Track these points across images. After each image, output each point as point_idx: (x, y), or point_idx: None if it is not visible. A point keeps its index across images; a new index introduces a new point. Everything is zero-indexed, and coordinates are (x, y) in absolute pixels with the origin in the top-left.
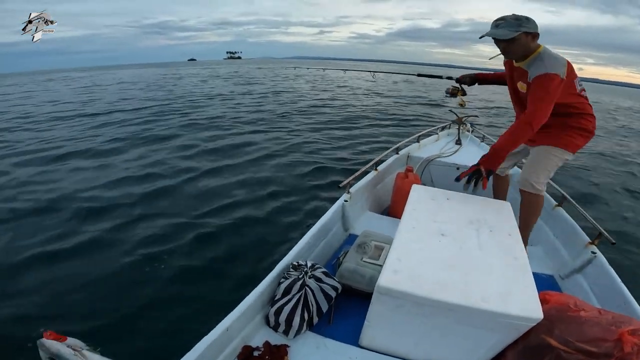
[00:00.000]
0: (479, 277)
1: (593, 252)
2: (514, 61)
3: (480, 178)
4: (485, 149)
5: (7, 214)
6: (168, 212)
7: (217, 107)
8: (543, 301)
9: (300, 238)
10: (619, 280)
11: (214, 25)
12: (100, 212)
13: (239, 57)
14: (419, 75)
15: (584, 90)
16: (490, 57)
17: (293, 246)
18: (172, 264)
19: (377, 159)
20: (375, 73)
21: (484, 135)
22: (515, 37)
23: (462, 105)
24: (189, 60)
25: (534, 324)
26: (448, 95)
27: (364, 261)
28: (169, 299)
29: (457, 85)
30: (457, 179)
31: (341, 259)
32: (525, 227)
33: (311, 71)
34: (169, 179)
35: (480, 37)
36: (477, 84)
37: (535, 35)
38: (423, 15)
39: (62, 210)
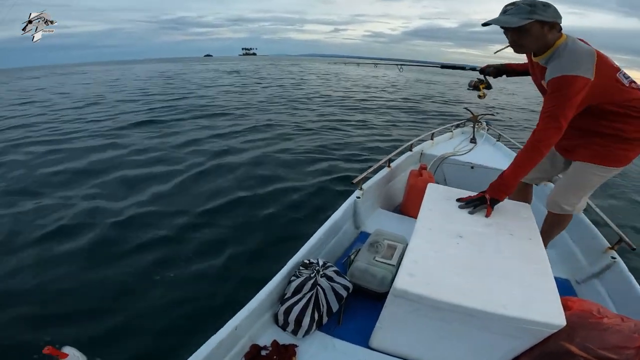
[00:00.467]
0: (498, 281)
1: (613, 258)
2: (532, 54)
3: (484, 206)
4: (500, 148)
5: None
6: (174, 208)
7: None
8: (565, 307)
9: (311, 235)
10: (638, 287)
11: (229, 22)
12: (103, 212)
13: (254, 54)
14: (442, 67)
15: (633, 82)
16: (495, 50)
17: (304, 244)
18: (179, 263)
19: (390, 155)
20: (402, 66)
21: (500, 135)
22: (526, 26)
23: (481, 97)
24: (205, 55)
25: (556, 331)
26: (470, 88)
27: (376, 260)
28: (177, 299)
29: (481, 77)
30: (459, 200)
31: (352, 257)
32: (546, 238)
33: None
34: (178, 172)
35: (484, 25)
36: (504, 75)
37: (553, 25)
38: (440, 15)
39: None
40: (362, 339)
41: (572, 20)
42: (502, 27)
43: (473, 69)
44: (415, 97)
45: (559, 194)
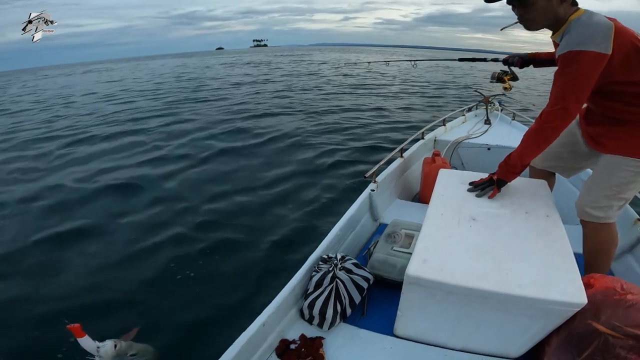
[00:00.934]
0: (514, 262)
1: None
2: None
3: (491, 187)
4: (516, 126)
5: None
6: (187, 205)
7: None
8: (587, 285)
9: (329, 231)
10: None
11: (240, 14)
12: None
13: (265, 45)
14: (460, 60)
15: None
16: (502, 27)
17: (322, 240)
18: (202, 263)
19: (402, 145)
20: (417, 62)
21: (514, 114)
22: None
23: (507, 90)
24: (217, 49)
25: (578, 309)
26: (494, 81)
27: (395, 250)
28: (203, 297)
29: (506, 68)
30: (470, 184)
31: (372, 249)
32: (592, 260)
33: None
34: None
35: (487, 1)
36: (531, 65)
37: None
38: (453, 0)
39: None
40: (387, 328)
41: (592, 5)
42: (508, 3)
43: (495, 60)
44: (432, 84)
45: (584, 195)
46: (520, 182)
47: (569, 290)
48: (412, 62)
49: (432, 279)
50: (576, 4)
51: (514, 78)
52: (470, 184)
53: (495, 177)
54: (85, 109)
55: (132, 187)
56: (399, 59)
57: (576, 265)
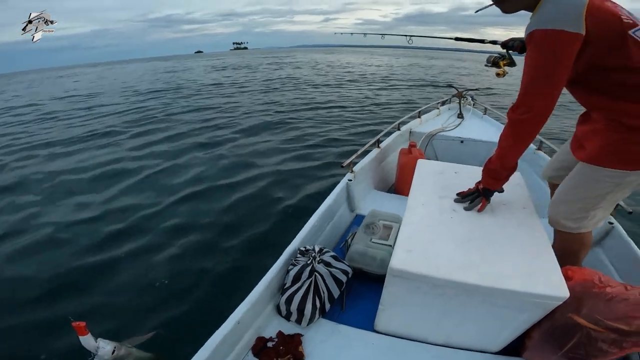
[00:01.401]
0: (497, 254)
1: (610, 223)
2: None
3: (479, 199)
4: (488, 121)
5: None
6: (161, 200)
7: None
8: (566, 277)
9: (306, 222)
10: (639, 252)
11: (219, 17)
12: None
13: (245, 48)
14: (456, 39)
15: None
16: (476, 9)
17: (299, 231)
18: (172, 267)
19: (378, 136)
20: (412, 37)
21: (485, 108)
22: None
23: (500, 75)
24: (195, 52)
25: (560, 302)
26: (489, 64)
27: (373, 242)
28: (174, 294)
29: (503, 51)
30: (457, 195)
31: (349, 241)
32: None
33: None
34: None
35: None
36: None
37: None
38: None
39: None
40: (367, 322)
41: None
42: None
43: (494, 42)
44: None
45: (558, 205)
46: None
47: (552, 283)
48: (408, 38)
49: (417, 272)
50: None
51: (511, 63)
52: (458, 194)
53: (480, 187)
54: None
55: (95, 199)
56: (396, 33)
57: (555, 257)
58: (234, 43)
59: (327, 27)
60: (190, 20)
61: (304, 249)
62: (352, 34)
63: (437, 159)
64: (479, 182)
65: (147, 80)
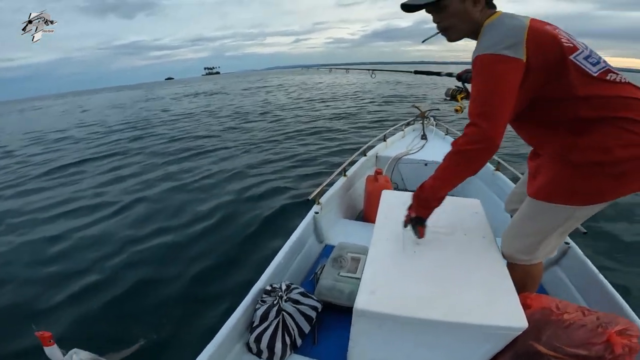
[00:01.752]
0: (459, 286)
1: (567, 243)
2: None
3: (417, 225)
4: (449, 141)
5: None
6: (114, 246)
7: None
8: (525, 305)
9: (274, 257)
10: (596, 270)
11: (189, 42)
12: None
13: (217, 73)
14: (415, 72)
15: (611, 71)
16: (423, 40)
17: (266, 268)
18: (140, 298)
19: (345, 164)
20: (375, 71)
21: (447, 129)
22: (442, 0)
23: (458, 111)
24: (166, 79)
25: (520, 332)
26: (448, 98)
27: (341, 276)
28: (139, 336)
29: (460, 84)
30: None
31: (319, 274)
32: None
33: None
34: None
35: (404, 9)
36: None
37: None
38: (395, 15)
39: None
40: (340, 355)
41: (513, 8)
42: (427, 11)
43: (449, 74)
44: (380, 98)
45: (511, 239)
46: (455, 202)
47: (511, 314)
48: (371, 72)
49: (382, 312)
50: (493, 6)
51: (468, 96)
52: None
53: (413, 215)
54: None
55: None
56: (359, 68)
57: (514, 286)
58: (205, 68)
59: (299, 48)
60: (159, 47)
61: (269, 288)
62: (318, 68)
63: (403, 183)
64: (410, 209)
65: (113, 112)
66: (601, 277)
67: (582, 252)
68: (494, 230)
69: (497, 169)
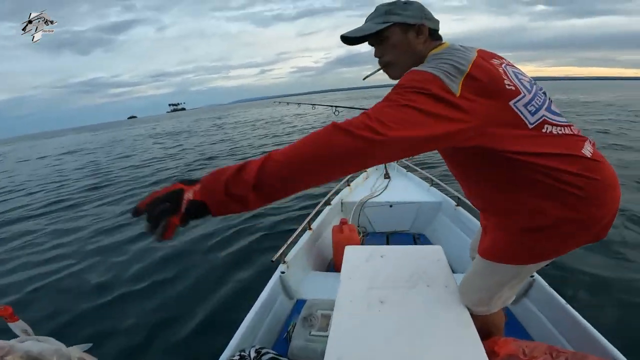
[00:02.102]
0: (425, 343)
1: (531, 276)
2: None
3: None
4: (412, 179)
5: None
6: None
7: None
8: (492, 353)
9: (242, 320)
10: (563, 301)
11: (150, 78)
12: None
13: (183, 109)
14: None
15: (547, 122)
16: (364, 77)
17: (235, 332)
18: None
19: (309, 217)
20: (338, 109)
21: (407, 165)
22: (384, 32)
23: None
24: (129, 118)
25: None
26: None
27: (313, 335)
28: None
29: None
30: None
31: (291, 332)
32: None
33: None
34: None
35: (344, 42)
36: None
37: (421, 30)
38: None
39: None
40: None
41: (455, 27)
42: (369, 44)
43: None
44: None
45: (465, 294)
46: (417, 251)
47: None
48: (334, 109)
49: None
50: (439, 37)
51: None
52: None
53: (190, 198)
54: None
55: None
56: (322, 104)
57: (479, 338)
58: (170, 104)
59: (265, 79)
60: (118, 84)
61: (238, 356)
62: (288, 103)
63: (372, 226)
64: (193, 185)
65: (69, 161)
66: (569, 307)
67: (547, 284)
68: (462, 267)
69: (457, 205)
